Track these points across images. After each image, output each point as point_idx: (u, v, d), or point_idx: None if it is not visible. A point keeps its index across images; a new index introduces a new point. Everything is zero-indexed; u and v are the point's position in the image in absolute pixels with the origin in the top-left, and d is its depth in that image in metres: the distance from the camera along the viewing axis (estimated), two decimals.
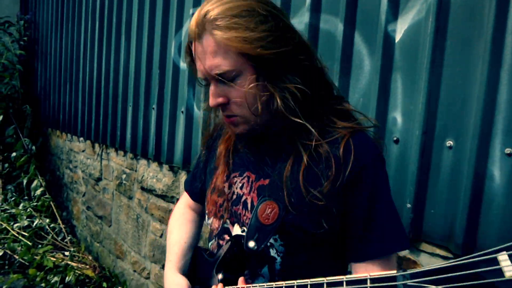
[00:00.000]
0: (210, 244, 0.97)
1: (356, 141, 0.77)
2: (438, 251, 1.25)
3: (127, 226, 3.04)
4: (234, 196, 0.89)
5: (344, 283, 0.57)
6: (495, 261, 0.40)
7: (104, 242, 3.45)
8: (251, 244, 0.77)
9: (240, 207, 0.87)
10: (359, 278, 0.55)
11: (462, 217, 1.16)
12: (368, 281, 0.54)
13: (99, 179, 3.49)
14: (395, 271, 0.52)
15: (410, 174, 1.27)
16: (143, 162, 2.79)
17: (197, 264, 1.00)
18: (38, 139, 4.66)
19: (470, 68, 1.16)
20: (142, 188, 2.80)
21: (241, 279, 0.79)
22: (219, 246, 0.91)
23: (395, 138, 1.33)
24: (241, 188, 0.88)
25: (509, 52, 1.09)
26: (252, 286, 0.77)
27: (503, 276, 0.39)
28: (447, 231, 1.21)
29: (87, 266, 3.38)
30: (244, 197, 0.87)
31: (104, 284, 3.20)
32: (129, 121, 2.90)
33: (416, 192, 1.27)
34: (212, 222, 0.95)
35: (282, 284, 0.70)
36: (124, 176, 3.06)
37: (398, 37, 1.33)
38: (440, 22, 1.21)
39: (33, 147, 4.46)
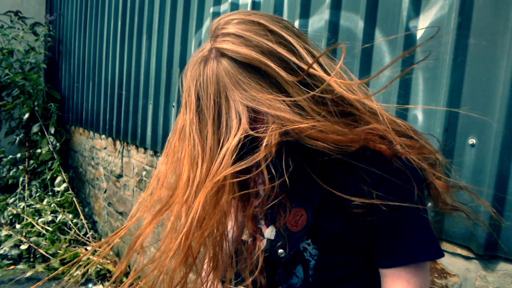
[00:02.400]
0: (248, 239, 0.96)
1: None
2: (460, 250, 1.23)
3: None
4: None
5: None
6: None
7: (125, 238, 3.51)
8: (280, 251, 0.77)
9: (276, 210, 0.86)
10: None
11: (484, 216, 1.14)
12: None
13: (120, 176, 3.56)
14: None
15: None
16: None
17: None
18: (62, 137, 4.79)
19: (494, 64, 1.14)
20: None
21: None
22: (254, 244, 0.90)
23: None
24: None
25: None
26: None
27: None
28: (469, 230, 1.19)
29: (108, 261, 3.45)
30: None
31: (124, 279, 3.27)
32: (150, 119, 2.94)
33: None
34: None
35: None
36: (144, 173, 3.11)
37: (419, 34, 1.32)
38: (463, 18, 1.20)
39: (57, 144, 4.59)
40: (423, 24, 1.31)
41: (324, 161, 0.72)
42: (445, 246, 1.27)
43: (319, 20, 1.62)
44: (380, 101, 1.41)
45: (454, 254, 1.25)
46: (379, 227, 0.74)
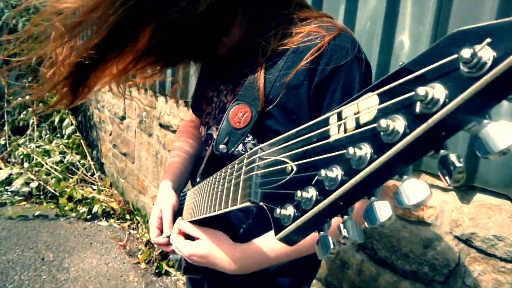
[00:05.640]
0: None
1: (333, 44, 0.72)
2: (438, 182, 1.21)
3: (148, 162, 3.14)
4: (221, 104, 0.89)
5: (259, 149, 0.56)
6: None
7: (128, 178, 3.60)
8: (221, 147, 0.76)
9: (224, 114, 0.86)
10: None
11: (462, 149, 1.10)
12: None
13: (123, 118, 3.59)
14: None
15: None
16: (161, 99, 2.83)
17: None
18: None
19: None
20: (160, 125, 2.85)
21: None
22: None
23: (400, 63, 1.25)
24: (225, 96, 0.88)
25: None
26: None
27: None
28: None
29: (113, 200, 3.56)
30: (228, 104, 0.86)
31: (127, 216, 3.38)
32: None
33: None
34: (201, 130, 0.98)
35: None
36: (144, 113, 3.12)
37: None
38: None
39: None
40: None
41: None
42: (424, 177, 1.24)
43: None
44: (367, 27, 1.34)
45: (432, 185, 1.22)
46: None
